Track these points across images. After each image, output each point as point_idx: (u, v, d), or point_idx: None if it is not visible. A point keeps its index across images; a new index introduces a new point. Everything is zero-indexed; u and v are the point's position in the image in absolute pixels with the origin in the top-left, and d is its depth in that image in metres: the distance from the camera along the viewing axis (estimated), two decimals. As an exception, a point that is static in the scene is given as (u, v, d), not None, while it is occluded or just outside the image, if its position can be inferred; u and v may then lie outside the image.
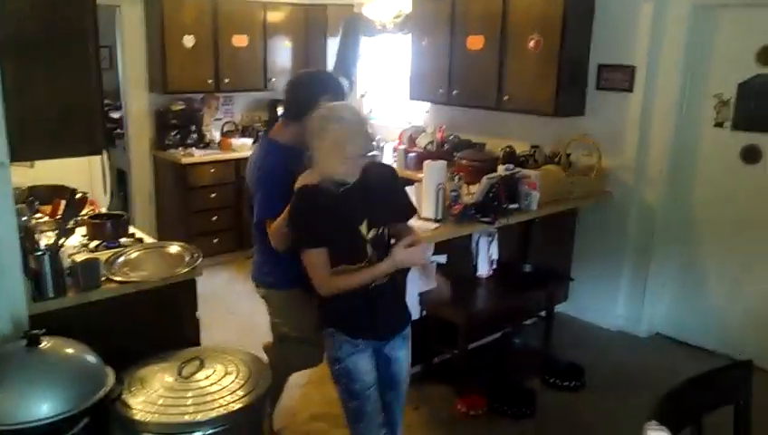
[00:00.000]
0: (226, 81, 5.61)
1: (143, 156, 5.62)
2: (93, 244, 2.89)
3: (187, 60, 5.34)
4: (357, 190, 2.13)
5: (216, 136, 5.83)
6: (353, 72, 5.89)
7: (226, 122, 6.02)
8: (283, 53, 5.96)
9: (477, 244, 3.75)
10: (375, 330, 2.23)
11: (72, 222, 3.05)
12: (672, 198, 4.17)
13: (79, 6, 2.32)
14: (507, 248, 3.89)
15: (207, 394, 2.13)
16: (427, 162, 3.52)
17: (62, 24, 2.29)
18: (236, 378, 2.24)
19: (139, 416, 2.02)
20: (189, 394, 2.12)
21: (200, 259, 2.68)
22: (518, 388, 3.52)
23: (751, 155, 3.83)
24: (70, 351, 2.00)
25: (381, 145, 5.60)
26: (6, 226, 2.13)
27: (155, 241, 3.11)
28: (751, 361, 1.97)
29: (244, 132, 6.00)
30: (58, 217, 3.15)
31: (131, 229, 3.13)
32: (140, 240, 3.01)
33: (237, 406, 2.10)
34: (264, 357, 2.87)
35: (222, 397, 2.13)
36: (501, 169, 3.82)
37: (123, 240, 2.96)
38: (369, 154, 2.17)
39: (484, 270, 3.78)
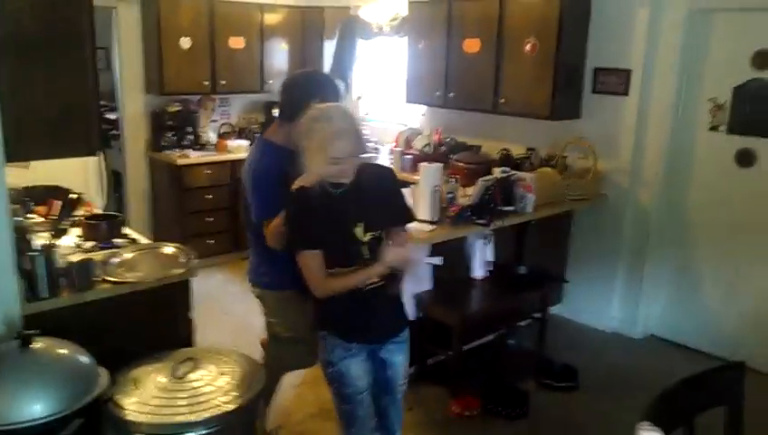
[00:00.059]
0: (223, 82, 5.61)
1: (139, 157, 5.61)
2: (88, 244, 2.89)
3: (183, 61, 5.34)
4: (354, 192, 2.12)
5: (213, 137, 5.82)
6: (349, 74, 5.90)
7: (223, 124, 6.02)
8: (279, 56, 5.96)
9: (473, 246, 3.76)
10: (369, 333, 2.22)
11: (66, 223, 3.06)
12: (667, 201, 4.19)
13: (76, 7, 2.33)
14: (503, 250, 3.90)
15: (201, 395, 2.13)
16: (423, 164, 3.53)
17: (60, 24, 2.30)
18: (230, 379, 2.24)
19: (132, 416, 2.02)
20: (183, 395, 2.12)
21: (195, 260, 2.68)
22: (512, 389, 3.52)
23: (746, 159, 3.85)
24: (63, 351, 1.99)
25: (378, 147, 5.61)
26: (0, 226, 2.13)
27: (150, 242, 3.11)
28: (743, 362, 1.97)
29: (241, 134, 6.00)
30: (51, 216, 3.16)
31: (126, 230, 3.13)
32: (135, 241, 3.01)
33: (231, 407, 2.10)
34: (260, 355, 2.88)
35: (215, 398, 2.13)
36: (497, 172, 3.83)
37: (118, 241, 2.96)
38: (363, 156, 2.15)
39: (479, 272, 3.79)
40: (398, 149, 5.32)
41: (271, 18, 5.84)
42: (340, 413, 2.28)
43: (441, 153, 4.87)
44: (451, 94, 4.82)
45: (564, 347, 4.07)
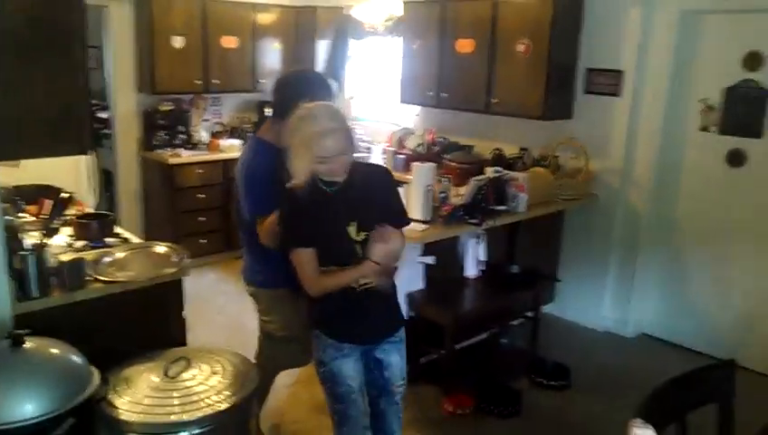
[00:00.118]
0: (215, 82, 5.59)
1: (130, 156, 5.58)
2: (79, 244, 2.87)
3: (175, 60, 5.32)
4: (348, 192, 2.11)
5: (205, 137, 5.80)
6: (342, 74, 5.90)
7: (215, 123, 6.00)
8: (272, 55, 5.95)
9: (465, 245, 3.76)
10: (362, 334, 2.22)
11: (58, 222, 3.04)
12: (658, 201, 4.21)
13: (67, 6, 2.31)
14: (495, 250, 3.91)
15: (194, 394, 2.13)
16: (415, 164, 3.53)
17: (51, 23, 2.28)
18: (223, 378, 2.23)
19: (124, 416, 2.02)
20: (175, 394, 2.11)
21: (187, 259, 2.67)
22: (505, 388, 3.53)
23: (736, 159, 3.87)
24: (54, 351, 1.98)
25: (370, 147, 5.61)
26: (-9, 225, 2.12)
27: (141, 241, 3.09)
28: (733, 360, 2.00)
29: (233, 133, 5.98)
30: (42, 215, 3.14)
31: (118, 229, 3.11)
32: (127, 240, 3.00)
33: (224, 406, 2.10)
34: (255, 351, 2.87)
35: (208, 397, 2.12)
36: (489, 172, 3.84)
37: (110, 240, 2.94)
38: (354, 155, 2.14)
39: (471, 271, 3.80)
40: (390, 148, 5.33)
41: (264, 18, 5.83)
42: (332, 412, 2.28)
43: (434, 153, 4.87)
44: (444, 94, 4.83)
45: (556, 346, 4.09)
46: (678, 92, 4.03)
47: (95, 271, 2.49)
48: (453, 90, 4.77)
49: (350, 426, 2.24)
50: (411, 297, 3.51)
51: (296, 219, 2.13)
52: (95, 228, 2.96)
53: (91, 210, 3.54)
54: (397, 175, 4.61)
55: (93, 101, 4.79)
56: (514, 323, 4.26)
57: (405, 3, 5.05)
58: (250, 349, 2.95)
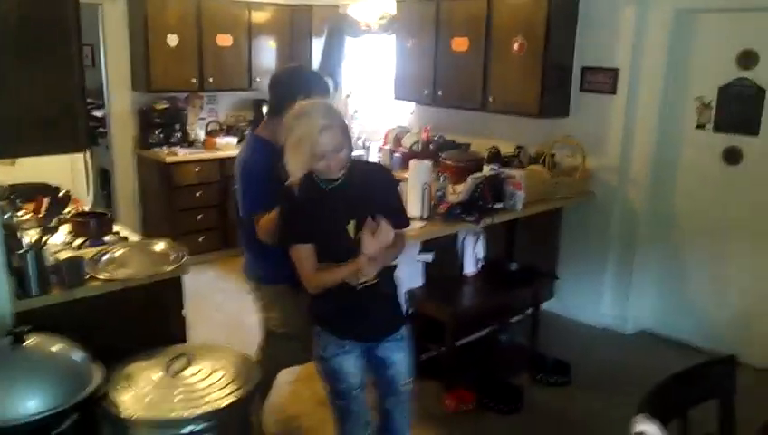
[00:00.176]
0: (210, 80, 5.58)
1: (126, 154, 5.56)
2: (77, 242, 2.86)
3: (170, 59, 5.30)
4: (347, 190, 2.11)
5: (201, 135, 5.79)
6: (338, 72, 5.89)
7: (211, 121, 5.99)
8: (267, 54, 5.94)
9: (463, 242, 3.77)
10: (362, 331, 2.21)
11: (55, 220, 3.03)
12: (655, 198, 4.23)
13: (61, 4, 2.31)
14: (493, 247, 3.92)
15: (195, 391, 2.12)
16: (412, 161, 3.53)
17: (46, 22, 2.28)
18: (224, 374, 2.22)
19: (127, 412, 2.01)
20: (177, 391, 2.11)
21: (186, 257, 2.66)
22: (506, 384, 3.54)
23: (732, 156, 3.90)
24: (55, 348, 1.98)
25: (367, 145, 5.61)
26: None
27: (140, 239, 3.08)
28: (734, 356, 2.00)
29: (229, 132, 5.97)
30: (41, 214, 3.13)
31: (116, 227, 3.10)
32: (125, 238, 2.98)
33: (225, 402, 2.09)
34: (254, 351, 2.87)
35: (210, 393, 2.11)
36: (486, 169, 3.84)
37: (108, 238, 2.94)
38: (351, 152, 2.14)
39: (470, 268, 3.81)
40: (387, 147, 5.33)
41: (259, 16, 5.81)
42: (334, 409, 2.28)
43: (430, 151, 4.88)
44: (440, 93, 4.83)
45: (556, 343, 4.10)
46: (674, 90, 4.05)
47: (94, 269, 2.48)
48: (448, 88, 4.78)
49: (352, 422, 2.25)
50: (411, 294, 3.51)
51: (292, 217, 2.13)
52: (93, 226, 2.96)
53: (88, 208, 3.52)
54: (394, 173, 4.66)
55: (89, 100, 4.77)
56: (514, 320, 4.27)
57: (399, 1, 5.05)
58: (249, 346, 2.95)
